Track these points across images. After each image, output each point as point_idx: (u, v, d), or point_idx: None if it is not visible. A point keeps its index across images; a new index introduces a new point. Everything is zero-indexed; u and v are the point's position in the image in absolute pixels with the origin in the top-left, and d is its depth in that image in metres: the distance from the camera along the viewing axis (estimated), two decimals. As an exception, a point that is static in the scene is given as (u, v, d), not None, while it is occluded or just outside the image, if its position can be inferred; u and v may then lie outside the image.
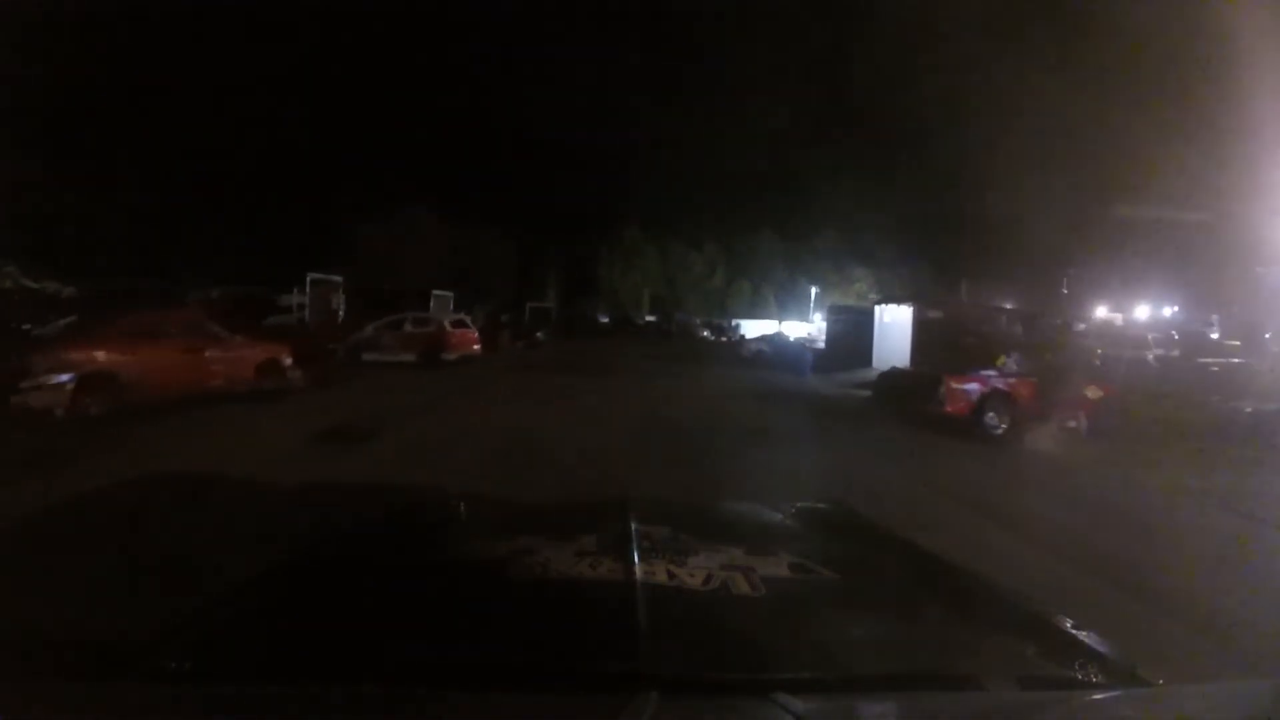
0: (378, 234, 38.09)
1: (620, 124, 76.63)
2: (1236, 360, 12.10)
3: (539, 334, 26.39)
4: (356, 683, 0.88)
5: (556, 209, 56.23)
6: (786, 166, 64.89)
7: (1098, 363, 10.88)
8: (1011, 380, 9.40)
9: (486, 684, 0.87)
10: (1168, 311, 36.62)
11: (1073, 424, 8.99)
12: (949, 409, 9.01)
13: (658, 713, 0.79)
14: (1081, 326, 20.25)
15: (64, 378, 6.55)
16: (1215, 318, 25.29)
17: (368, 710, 0.84)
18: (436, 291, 24.95)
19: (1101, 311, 36.84)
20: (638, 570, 1.21)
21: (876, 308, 19.54)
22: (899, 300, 19.00)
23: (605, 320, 48.68)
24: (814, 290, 55.32)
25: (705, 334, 48.31)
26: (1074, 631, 1.14)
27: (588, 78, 78.30)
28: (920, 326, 16.84)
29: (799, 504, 1.90)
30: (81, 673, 0.94)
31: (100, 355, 7.00)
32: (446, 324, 16.16)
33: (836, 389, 14.57)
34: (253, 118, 31.55)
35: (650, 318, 51.51)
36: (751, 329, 54.89)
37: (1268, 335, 17.45)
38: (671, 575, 1.23)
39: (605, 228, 54.78)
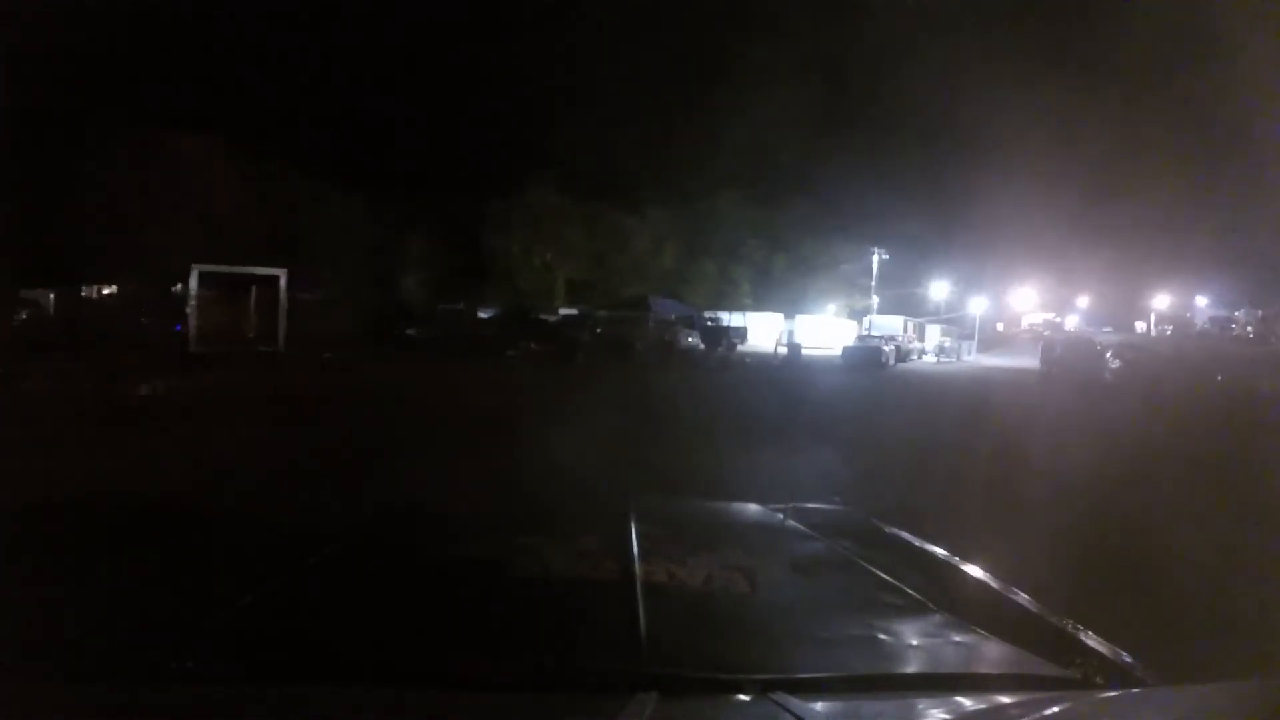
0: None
1: (530, 42, 54.45)
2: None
3: None
4: (356, 683, 0.96)
5: (439, 158, 47.53)
6: (754, 108, 50.73)
7: None
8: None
9: (486, 684, 0.96)
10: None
11: None
12: None
13: (658, 712, 0.86)
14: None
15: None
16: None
17: (367, 711, 0.91)
18: None
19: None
20: (638, 570, 1.31)
21: None
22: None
23: (485, 317, 32.54)
24: (877, 256, 38.21)
25: (690, 341, 25.57)
26: (1074, 631, 1.27)
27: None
28: None
29: (799, 504, 2.03)
30: (81, 673, 1.00)
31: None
32: None
33: None
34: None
35: (568, 311, 36.45)
36: (754, 329, 38.79)
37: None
38: (672, 575, 1.34)
39: (506, 184, 42.22)
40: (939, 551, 1.68)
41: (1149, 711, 1.06)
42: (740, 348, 32.24)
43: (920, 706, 1.00)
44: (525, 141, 44.64)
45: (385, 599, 1.29)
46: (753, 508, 2.13)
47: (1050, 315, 46.46)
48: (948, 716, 0.99)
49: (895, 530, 1.86)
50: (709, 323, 32.58)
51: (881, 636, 1.20)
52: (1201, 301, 48.41)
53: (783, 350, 29.14)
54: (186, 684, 0.96)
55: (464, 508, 2.56)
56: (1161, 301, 50.64)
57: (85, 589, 2.78)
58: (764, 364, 26.37)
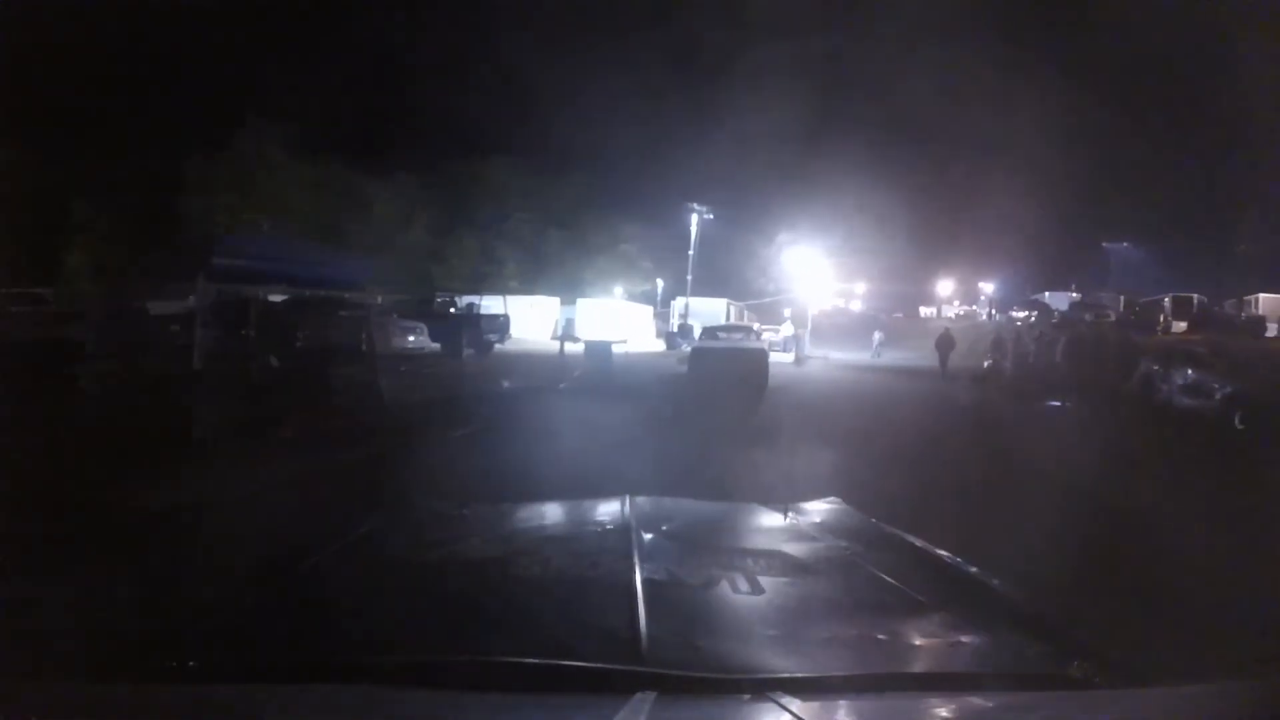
0: None
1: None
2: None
3: None
4: (356, 683, 0.99)
5: (128, 101, 32.09)
6: (527, 61, 46.20)
7: None
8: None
9: (486, 684, 0.98)
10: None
11: None
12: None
13: (657, 712, 0.88)
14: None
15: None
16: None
17: (367, 711, 0.94)
18: None
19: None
20: (638, 570, 1.33)
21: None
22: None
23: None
24: (697, 215, 38.11)
25: (412, 340, 15.81)
26: (1073, 631, 1.33)
27: None
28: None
29: (799, 504, 2.09)
30: (82, 673, 1.04)
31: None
32: None
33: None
34: None
35: (277, 297, 20.06)
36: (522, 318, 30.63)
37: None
38: (671, 575, 1.38)
39: (215, 136, 32.91)
40: (939, 551, 1.72)
41: (1149, 711, 1.10)
42: (502, 346, 23.35)
43: (920, 706, 1.04)
44: (240, 84, 35.25)
45: (384, 599, 1.32)
46: (753, 508, 2.19)
47: (839, 301, 47.16)
48: (948, 716, 1.02)
49: (895, 530, 1.90)
50: (450, 309, 22.69)
51: (881, 636, 1.24)
52: (988, 288, 50.90)
53: (574, 347, 17.99)
54: (186, 684, 0.99)
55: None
56: (945, 288, 53.41)
57: (86, 590, 2.73)
58: (545, 389, 13.48)
